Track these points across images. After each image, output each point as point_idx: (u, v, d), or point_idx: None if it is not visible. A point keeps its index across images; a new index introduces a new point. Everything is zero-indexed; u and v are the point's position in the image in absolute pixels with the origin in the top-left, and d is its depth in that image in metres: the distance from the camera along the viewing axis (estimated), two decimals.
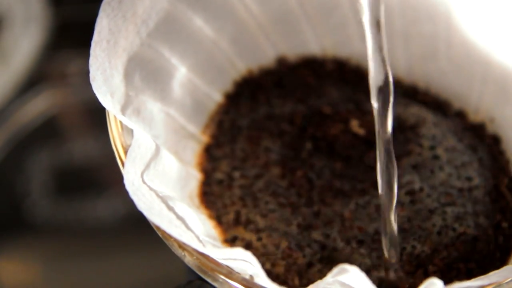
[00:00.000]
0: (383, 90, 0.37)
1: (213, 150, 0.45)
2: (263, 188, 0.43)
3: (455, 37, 0.46)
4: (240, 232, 0.42)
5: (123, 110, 0.40)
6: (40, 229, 0.72)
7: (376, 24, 0.36)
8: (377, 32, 0.36)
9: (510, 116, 0.45)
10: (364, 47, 0.48)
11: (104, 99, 0.39)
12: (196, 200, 0.43)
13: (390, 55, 0.48)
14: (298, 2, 0.47)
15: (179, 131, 0.44)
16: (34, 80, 0.76)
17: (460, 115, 0.47)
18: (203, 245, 0.36)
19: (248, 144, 0.45)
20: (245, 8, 0.46)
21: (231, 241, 0.42)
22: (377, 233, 0.42)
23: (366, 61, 0.48)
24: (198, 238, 0.37)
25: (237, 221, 0.42)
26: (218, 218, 0.42)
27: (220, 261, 0.37)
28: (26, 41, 0.76)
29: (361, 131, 0.45)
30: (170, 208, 0.37)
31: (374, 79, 0.37)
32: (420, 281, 0.36)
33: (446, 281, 0.36)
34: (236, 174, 0.44)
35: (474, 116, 0.46)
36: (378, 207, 0.42)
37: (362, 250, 0.41)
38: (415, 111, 0.46)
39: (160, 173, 0.40)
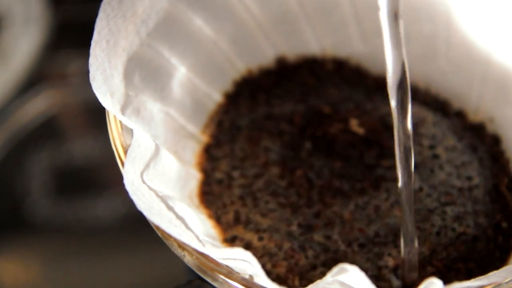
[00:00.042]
0: (401, 87, 0.37)
1: (213, 150, 0.45)
2: (263, 188, 0.43)
3: (455, 37, 0.46)
4: (240, 231, 0.42)
5: (123, 110, 0.40)
6: (40, 229, 0.72)
7: (394, 17, 0.36)
8: (394, 26, 0.36)
9: (509, 116, 0.45)
10: (364, 47, 0.48)
11: (104, 99, 0.39)
12: (196, 200, 0.43)
13: None
14: (298, 2, 0.47)
15: (178, 131, 0.44)
16: (34, 80, 0.76)
17: (460, 115, 0.47)
18: (203, 245, 0.36)
19: (248, 144, 0.45)
20: (245, 8, 0.46)
21: (230, 241, 0.42)
22: (378, 235, 0.42)
23: (366, 61, 0.48)
24: (197, 237, 0.37)
25: (236, 221, 0.42)
26: (217, 218, 0.42)
27: (220, 260, 0.37)
28: (26, 41, 0.76)
29: (360, 130, 0.45)
30: (170, 208, 0.37)
31: (392, 75, 0.36)
32: (420, 281, 0.36)
33: (446, 281, 0.36)
34: (236, 173, 0.44)
35: (474, 116, 0.46)
36: (377, 208, 0.43)
37: (364, 254, 0.41)
38: (414, 111, 0.46)
39: (159, 173, 0.40)
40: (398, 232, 0.41)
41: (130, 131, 0.40)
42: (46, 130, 0.76)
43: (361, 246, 0.41)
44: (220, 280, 0.37)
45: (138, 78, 0.41)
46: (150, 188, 0.38)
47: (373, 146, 0.45)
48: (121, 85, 0.40)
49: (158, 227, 0.37)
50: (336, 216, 0.42)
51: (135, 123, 0.40)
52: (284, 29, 0.47)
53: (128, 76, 0.40)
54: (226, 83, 0.47)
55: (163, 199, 0.38)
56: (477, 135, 0.46)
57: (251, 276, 0.36)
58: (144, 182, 0.38)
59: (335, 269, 0.34)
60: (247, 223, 0.42)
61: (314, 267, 0.41)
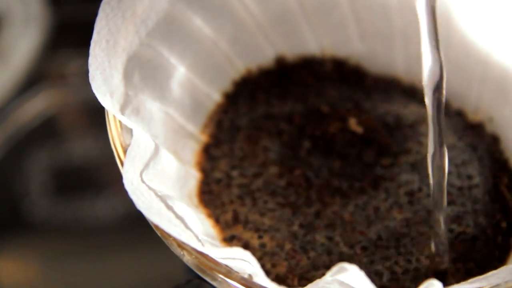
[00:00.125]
0: (438, 86, 0.37)
1: (212, 150, 0.45)
2: (262, 187, 0.43)
3: (454, 37, 0.46)
4: (239, 231, 0.42)
5: (122, 109, 0.40)
6: (39, 229, 0.72)
7: (432, 12, 0.36)
8: (432, 21, 0.36)
9: (509, 116, 0.45)
10: (363, 46, 0.48)
11: (104, 99, 0.39)
12: (195, 199, 0.43)
13: (389, 55, 0.48)
14: (297, 2, 0.47)
15: (178, 130, 0.44)
16: (33, 80, 0.76)
17: (460, 115, 0.47)
18: (202, 244, 0.36)
19: (247, 144, 0.45)
20: (244, 7, 0.46)
21: (229, 240, 0.42)
22: (380, 238, 0.41)
23: (365, 60, 0.48)
24: (197, 237, 0.37)
25: (235, 220, 0.42)
26: (216, 217, 0.42)
27: (219, 260, 0.37)
28: (25, 41, 0.76)
29: (359, 129, 0.45)
30: (169, 207, 0.37)
31: (429, 71, 0.37)
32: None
33: (445, 281, 0.36)
34: (235, 173, 0.44)
35: (473, 116, 0.46)
36: (376, 209, 0.43)
37: (368, 257, 0.41)
38: (414, 109, 0.46)
39: (159, 173, 0.40)
40: (400, 236, 0.41)
41: (130, 131, 0.40)
42: (46, 130, 0.76)
43: (364, 249, 0.41)
44: (219, 279, 0.37)
45: (138, 78, 0.41)
46: (150, 188, 0.38)
47: (372, 145, 0.45)
48: (120, 85, 0.40)
49: (157, 227, 0.37)
50: (337, 217, 0.42)
51: (134, 122, 0.40)
52: (283, 29, 0.47)
53: (127, 76, 0.40)
54: (226, 83, 0.47)
55: (163, 199, 0.38)
56: (477, 135, 0.46)
57: (250, 276, 0.36)
58: (143, 181, 0.38)
59: (335, 268, 0.34)
60: (246, 223, 0.42)
61: (316, 268, 0.41)
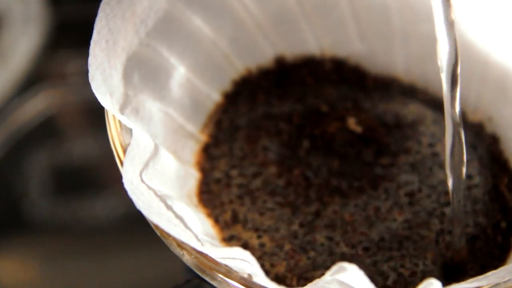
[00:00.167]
0: (455, 69, 0.37)
1: (212, 149, 0.45)
2: (261, 187, 0.43)
3: None
4: (238, 231, 0.42)
5: (122, 109, 0.40)
6: (39, 228, 0.72)
7: None
8: (447, 6, 0.36)
9: (508, 116, 0.45)
10: (363, 46, 0.48)
11: (103, 99, 0.39)
12: (195, 199, 0.43)
13: (389, 54, 0.48)
14: (297, 2, 0.47)
15: (177, 130, 0.44)
16: (33, 80, 0.76)
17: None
18: (202, 244, 0.36)
19: (246, 143, 0.45)
20: (244, 7, 0.46)
21: (229, 240, 0.42)
22: (382, 239, 0.41)
23: (365, 60, 0.48)
24: (196, 237, 0.37)
25: (234, 220, 0.42)
26: (216, 217, 0.42)
27: (219, 260, 0.37)
28: (25, 41, 0.76)
29: (358, 129, 0.45)
30: (169, 207, 0.37)
31: (447, 57, 0.37)
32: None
33: (445, 281, 0.36)
34: (234, 172, 0.44)
35: (473, 116, 0.47)
36: (376, 209, 0.42)
37: (370, 258, 0.41)
38: (414, 109, 0.46)
39: (158, 172, 0.40)
40: (402, 239, 0.41)
41: (129, 131, 0.40)
42: (45, 130, 0.76)
43: (366, 249, 0.41)
44: (219, 279, 0.37)
45: (137, 78, 0.41)
46: (149, 187, 0.38)
47: (371, 144, 0.45)
48: (120, 85, 0.40)
49: (157, 226, 0.37)
50: (337, 218, 0.42)
51: (134, 122, 0.40)
52: (283, 28, 0.47)
53: (127, 76, 0.40)
54: (225, 83, 0.47)
55: (162, 198, 0.38)
56: (477, 135, 0.46)
57: (249, 275, 0.36)
58: (143, 181, 0.38)
59: (334, 268, 0.34)
60: (245, 222, 0.42)
61: (316, 268, 0.41)
